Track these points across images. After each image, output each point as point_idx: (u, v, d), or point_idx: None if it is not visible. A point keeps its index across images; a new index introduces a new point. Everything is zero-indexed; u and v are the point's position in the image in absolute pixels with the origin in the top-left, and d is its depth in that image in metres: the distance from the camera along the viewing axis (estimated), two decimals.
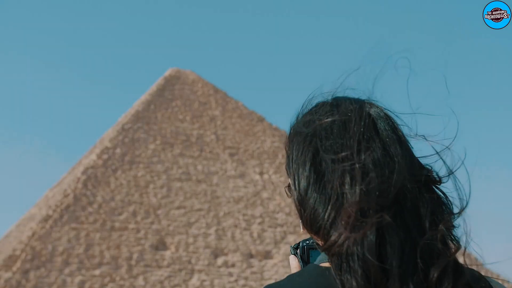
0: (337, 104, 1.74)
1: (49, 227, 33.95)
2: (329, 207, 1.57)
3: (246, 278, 35.07)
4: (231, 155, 42.59)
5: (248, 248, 36.54)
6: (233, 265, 35.54)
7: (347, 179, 1.56)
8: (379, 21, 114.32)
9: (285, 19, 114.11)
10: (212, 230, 36.96)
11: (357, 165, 1.57)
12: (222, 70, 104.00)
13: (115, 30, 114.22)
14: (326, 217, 1.57)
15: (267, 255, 36.66)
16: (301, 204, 1.65)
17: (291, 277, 1.63)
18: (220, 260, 35.57)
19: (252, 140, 44.36)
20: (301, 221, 1.69)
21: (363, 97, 1.76)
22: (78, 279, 32.36)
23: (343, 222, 1.52)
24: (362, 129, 1.64)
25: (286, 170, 1.78)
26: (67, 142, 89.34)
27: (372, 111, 1.71)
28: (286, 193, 1.86)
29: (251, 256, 36.34)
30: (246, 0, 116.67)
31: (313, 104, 1.80)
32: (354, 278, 1.49)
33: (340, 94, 1.79)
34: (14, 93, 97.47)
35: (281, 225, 38.48)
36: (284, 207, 39.64)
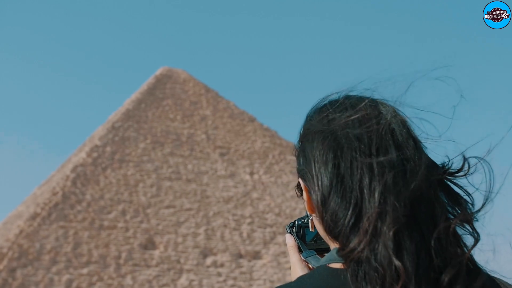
0: (351, 104, 1.69)
1: (37, 225, 33.73)
2: (350, 212, 1.54)
3: (235, 278, 35.03)
4: (222, 154, 42.53)
5: (237, 248, 36.51)
6: (222, 265, 35.49)
7: (366, 183, 1.54)
8: (375, 22, 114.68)
9: (277, 20, 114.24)
10: (201, 230, 36.90)
11: (376, 170, 1.55)
12: (213, 70, 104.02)
13: (107, 29, 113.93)
14: (346, 222, 1.54)
15: (256, 256, 36.64)
16: (324, 205, 1.61)
17: (301, 278, 1.60)
18: (209, 260, 35.51)
19: (243, 140, 44.32)
20: (321, 223, 1.65)
21: (376, 97, 1.72)
22: (65, 277, 32.17)
23: (363, 229, 1.50)
24: (379, 132, 1.60)
25: (301, 169, 1.73)
26: (57, 139, 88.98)
27: (386, 111, 1.67)
28: (296, 193, 1.84)
29: (240, 256, 36.32)
30: (239, 1, 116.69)
31: (327, 102, 1.76)
32: (370, 285, 1.46)
33: (353, 93, 1.75)
34: (2, 91, 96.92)
35: (271, 226, 38.48)
36: (273, 207, 39.65)
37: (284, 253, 36.88)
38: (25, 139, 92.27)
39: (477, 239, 1.57)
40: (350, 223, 1.53)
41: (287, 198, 40.69)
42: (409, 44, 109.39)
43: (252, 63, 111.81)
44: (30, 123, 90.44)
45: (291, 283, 1.59)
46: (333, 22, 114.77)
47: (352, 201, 1.54)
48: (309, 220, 1.82)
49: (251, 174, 41.76)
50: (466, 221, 1.58)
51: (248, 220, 38.40)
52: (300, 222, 1.96)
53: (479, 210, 1.59)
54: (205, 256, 35.73)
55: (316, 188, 1.63)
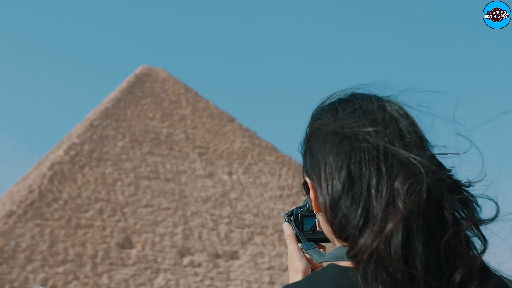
0: (358, 103, 1.68)
1: (12, 223, 33.34)
2: (359, 214, 1.53)
3: (212, 278, 34.99)
4: (200, 154, 42.47)
5: (214, 248, 36.48)
6: (199, 265, 35.43)
7: (373, 184, 1.53)
8: (368, 22, 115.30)
9: (258, 21, 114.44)
10: (179, 230, 36.79)
11: (383, 169, 1.54)
12: (193, 69, 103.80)
13: (86, 27, 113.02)
14: (355, 224, 1.53)
15: (233, 256, 36.64)
16: (333, 209, 1.59)
17: (310, 277, 1.59)
18: (186, 260, 35.42)
19: (222, 140, 44.31)
20: (331, 226, 1.63)
21: (381, 95, 1.72)
22: (41, 276, 31.84)
23: (370, 228, 1.49)
24: (387, 131, 1.60)
25: (308, 169, 1.71)
26: (34, 137, 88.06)
27: (393, 110, 1.67)
28: (302, 192, 1.81)
29: (217, 256, 36.29)
30: (219, 1, 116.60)
31: (335, 100, 1.74)
32: (381, 286, 1.45)
33: (360, 91, 1.74)
34: None
35: (249, 226, 38.51)
36: (252, 208, 39.69)
37: (262, 254, 36.96)
38: (2, 136, 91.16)
39: (485, 243, 1.56)
40: (360, 224, 1.52)
41: (266, 198, 40.78)
42: (408, 44, 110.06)
43: (232, 63, 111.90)
44: (7, 119, 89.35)
45: (300, 281, 1.57)
46: (314, 23, 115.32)
47: (361, 203, 1.53)
48: (316, 220, 1.79)
49: (230, 174, 41.76)
50: (474, 224, 1.56)
51: (226, 220, 38.39)
52: (298, 212, 1.94)
53: (489, 221, 1.58)
54: (182, 255, 35.64)
55: (325, 191, 1.60)
